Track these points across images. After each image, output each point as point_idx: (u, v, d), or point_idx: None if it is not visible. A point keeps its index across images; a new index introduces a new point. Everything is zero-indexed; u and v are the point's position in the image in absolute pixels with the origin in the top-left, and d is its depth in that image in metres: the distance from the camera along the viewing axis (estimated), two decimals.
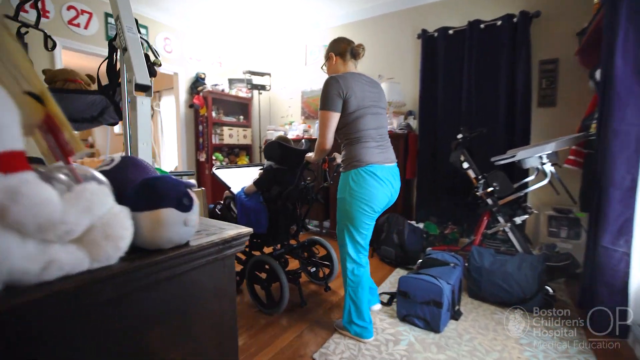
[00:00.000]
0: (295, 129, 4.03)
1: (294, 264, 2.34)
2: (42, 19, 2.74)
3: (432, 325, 1.67)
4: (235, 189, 2.00)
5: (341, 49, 1.60)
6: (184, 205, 0.44)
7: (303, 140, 2.07)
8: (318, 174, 2.67)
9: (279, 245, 2.13)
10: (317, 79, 4.01)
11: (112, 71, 1.28)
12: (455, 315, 1.80)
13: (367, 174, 1.47)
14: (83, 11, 3.02)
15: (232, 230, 0.56)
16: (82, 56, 3.24)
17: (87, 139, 8.27)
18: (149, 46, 1.45)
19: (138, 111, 1.01)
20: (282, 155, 1.87)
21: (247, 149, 4.61)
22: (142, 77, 1.00)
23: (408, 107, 3.35)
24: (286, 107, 4.39)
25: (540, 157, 2.01)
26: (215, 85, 4.10)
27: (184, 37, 4.00)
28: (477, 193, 2.33)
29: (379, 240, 2.77)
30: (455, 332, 1.68)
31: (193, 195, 0.48)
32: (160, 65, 1.41)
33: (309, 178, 2.06)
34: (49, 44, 1.48)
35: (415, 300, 1.72)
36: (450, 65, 3.03)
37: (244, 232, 0.56)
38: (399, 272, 2.49)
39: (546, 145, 1.99)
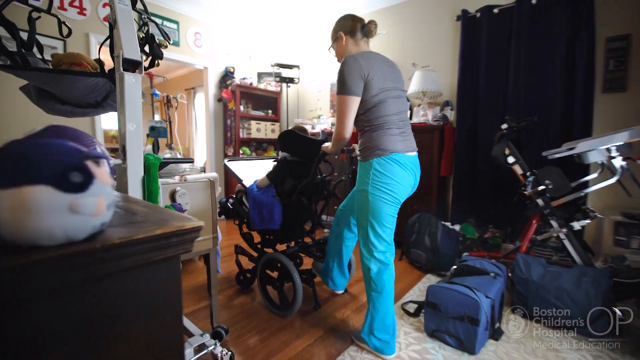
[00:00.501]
0: (324, 123, 3.88)
1: (308, 263, 2.19)
2: (79, 16, 2.85)
3: (467, 345, 1.43)
4: (248, 182, 1.89)
5: (351, 27, 1.43)
6: (71, 183, 0.30)
7: (321, 131, 1.91)
8: (343, 167, 2.49)
9: (292, 243, 1.99)
10: None
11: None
12: (495, 334, 1.54)
13: (393, 161, 1.32)
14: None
15: (176, 221, 0.42)
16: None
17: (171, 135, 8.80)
18: (157, 26, 1.37)
19: (126, 90, 0.91)
20: (297, 146, 1.72)
21: (275, 144, 4.54)
22: (131, 51, 0.90)
23: (445, 97, 3.04)
24: (315, 100, 4.25)
25: (608, 150, 1.67)
26: (244, 79, 4.06)
27: (214, 32, 4.00)
28: (525, 192, 2.01)
29: (408, 242, 2.53)
30: (494, 355, 1.42)
31: (96, 169, 0.33)
32: (166, 47, 1.32)
33: (324, 173, 1.90)
34: (64, 31, 1.45)
35: (447, 314, 1.48)
36: (494, 48, 2.69)
37: (188, 226, 0.41)
38: (430, 279, 2.24)
39: (616, 135, 1.64)
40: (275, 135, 4.42)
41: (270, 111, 4.47)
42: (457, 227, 2.60)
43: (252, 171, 2.05)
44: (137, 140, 0.94)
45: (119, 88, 0.93)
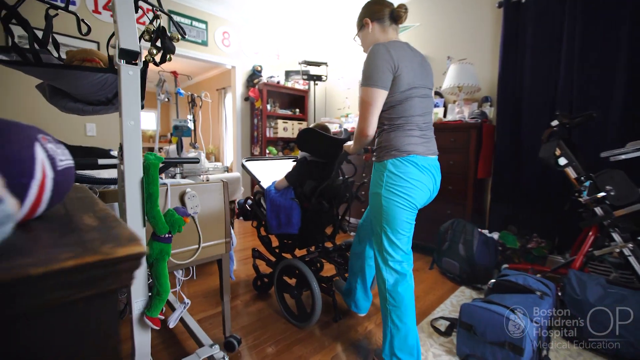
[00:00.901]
0: (351, 122, 3.73)
1: (330, 269, 2.06)
2: (110, 18, 2.94)
3: None
4: (267, 183, 1.80)
5: (378, 12, 1.29)
6: None
7: (343, 129, 1.77)
8: (366, 168, 2.34)
9: (313, 248, 1.88)
10: None
11: None
12: None
13: (409, 163, 1.21)
14: (148, 10, 3.17)
15: (109, 246, 0.31)
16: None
17: (167, 135, 9.19)
18: (170, 19, 1.32)
19: (123, 82, 0.84)
20: (318, 146, 1.60)
21: None
22: (128, 40, 0.83)
23: (483, 92, 2.78)
24: (343, 98, 4.12)
25: None
26: (271, 77, 4.02)
27: (242, 31, 4.00)
28: (580, 199, 1.74)
29: (440, 250, 2.32)
30: None
31: None
32: (178, 40, 1.26)
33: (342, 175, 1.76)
34: (83, 29, 1.44)
35: (484, 338, 1.29)
36: (542, 36, 2.39)
37: (118, 254, 0.30)
38: (464, 293, 2.02)
39: None
40: None
41: (297, 110, 4.40)
42: (495, 235, 2.35)
43: (272, 172, 1.96)
44: (136, 138, 0.88)
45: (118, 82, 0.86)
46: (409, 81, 1.20)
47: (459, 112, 2.69)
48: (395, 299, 1.25)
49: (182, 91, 2.40)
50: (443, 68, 3.01)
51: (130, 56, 0.85)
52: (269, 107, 4.07)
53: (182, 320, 1.57)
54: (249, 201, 1.94)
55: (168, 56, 1.27)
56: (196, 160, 1.09)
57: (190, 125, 2.73)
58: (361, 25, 1.35)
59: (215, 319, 1.70)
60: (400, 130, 1.22)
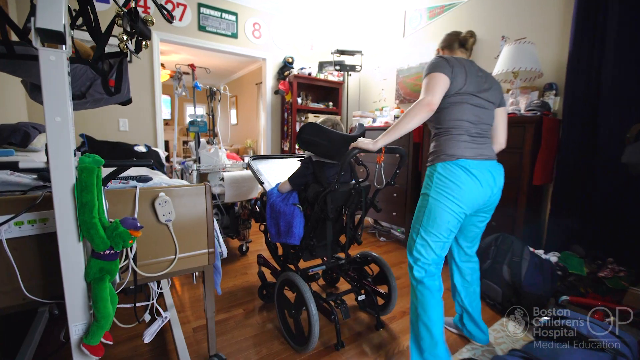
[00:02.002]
0: (386, 116, 3.39)
1: (343, 284, 1.82)
2: (143, 14, 2.97)
3: None
4: (271, 185, 1.62)
5: (449, 41, 1.42)
6: None
7: (357, 124, 1.50)
8: (404, 170, 2.05)
9: (325, 258, 1.66)
10: (415, 53, 3.25)
11: (96, 32, 1.04)
12: None
13: (458, 167, 1.22)
14: (179, 4, 3.17)
15: None
16: (180, 48, 3.44)
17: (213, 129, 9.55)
18: (155, 3, 1.17)
19: (42, 70, 0.69)
20: (324, 144, 1.36)
21: None
22: (48, 19, 0.68)
23: (547, 78, 2.27)
24: (378, 90, 3.78)
25: None
26: (302, 69, 3.83)
27: (274, 21, 3.85)
28: None
29: (481, 269, 1.94)
30: None
31: None
32: (153, 23, 1.11)
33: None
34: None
35: None
36: (634, 8, 1.84)
37: None
38: (505, 327, 1.65)
39: None
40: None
41: (330, 103, 4.16)
42: (553, 257, 1.90)
43: (282, 172, 1.77)
44: (65, 137, 0.73)
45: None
46: (460, 85, 1.22)
47: (513, 103, 2.23)
48: (424, 294, 1.24)
49: (199, 85, 2.32)
50: (495, 51, 2.54)
51: (52, 38, 0.70)
52: (299, 100, 3.89)
53: (170, 331, 1.47)
54: (259, 202, 1.78)
55: (145, 43, 1.13)
56: (148, 163, 0.93)
57: (214, 120, 2.65)
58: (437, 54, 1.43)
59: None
60: (449, 134, 1.26)
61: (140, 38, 1.10)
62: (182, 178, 2.53)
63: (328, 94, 4.20)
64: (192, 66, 2.33)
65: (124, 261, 1.02)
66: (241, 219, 2.57)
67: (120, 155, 2.35)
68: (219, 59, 6.00)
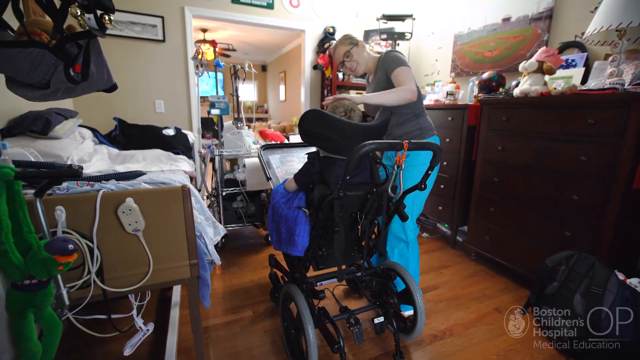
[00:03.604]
0: (437, 92, 2.89)
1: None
2: None
3: None
4: (279, 181, 1.40)
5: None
6: None
7: (381, 110, 1.19)
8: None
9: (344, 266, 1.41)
10: (478, 13, 2.64)
11: (49, 6, 0.88)
12: None
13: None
14: None
15: None
16: (227, 24, 3.29)
17: (263, 105, 9.60)
18: None
19: None
20: (330, 137, 1.08)
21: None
22: None
23: None
24: (432, 61, 3.24)
25: None
26: None
27: None
28: None
29: (541, 293, 1.54)
30: None
31: None
32: None
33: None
34: None
35: None
36: None
37: None
38: None
39: None
40: None
41: None
42: None
43: (299, 165, 1.54)
44: None
45: None
46: None
47: (613, 74, 1.63)
48: None
49: (221, 63, 2.14)
50: (591, 2, 1.89)
51: None
52: (340, 75, 3.54)
53: (155, 340, 1.39)
54: None
55: (108, 17, 0.94)
56: (75, 172, 0.75)
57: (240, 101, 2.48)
58: None
59: (215, 332, 1.48)
60: (424, 115, 1.46)
61: (101, 12, 0.91)
62: (211, 163, 2.44)
63: None
64: (213, 43, 2.15)
65: (86, 275, 0.91)
66: (267, 207, 2.43)
67: (148, 139, 2.34)
68: (265, 34, 5.79)
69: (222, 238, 2.32)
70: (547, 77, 1.90)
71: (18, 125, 1.68)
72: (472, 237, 2.24)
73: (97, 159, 1.78)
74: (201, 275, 1.11)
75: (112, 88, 1.16)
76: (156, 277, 1.01)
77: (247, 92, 9.35)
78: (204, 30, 5.39)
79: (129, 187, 1.03)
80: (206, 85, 5.64)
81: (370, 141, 0.90)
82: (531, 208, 1.82)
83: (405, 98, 1.37)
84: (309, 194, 1.23)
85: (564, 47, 2.09)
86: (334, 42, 3.44)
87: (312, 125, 1.07)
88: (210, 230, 1.26)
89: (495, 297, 1.82)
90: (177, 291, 1.59)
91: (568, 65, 2.00)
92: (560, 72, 2.00)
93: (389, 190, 1.03)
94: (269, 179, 1.44)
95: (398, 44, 3.22)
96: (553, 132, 1.69)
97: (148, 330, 1.09)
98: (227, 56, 5.25)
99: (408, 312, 1.41)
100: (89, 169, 1.51)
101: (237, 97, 2.28)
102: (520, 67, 1.89)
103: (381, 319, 1.32)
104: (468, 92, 2.60)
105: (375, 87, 1.52)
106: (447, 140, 2.42)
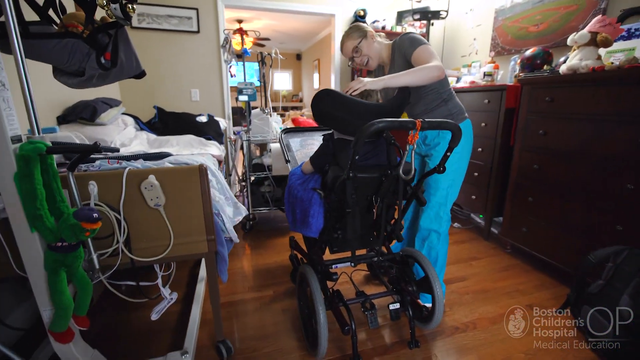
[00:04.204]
0: (474, 74, 2.71)
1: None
2: None
3: None
4: (298, 163, 1.41)
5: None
6: None
7: (398, 90, 1.13)
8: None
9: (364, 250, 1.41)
10: None
11: (83, 2, 0.96)
12: None
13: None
14: None
15: None
16: (261, 13, 3.33)
17: (298, 94, 9.67)
18: None
19: None
20: (340, 117, 1.06)
21: None
22: None
23: None
24: (469, 40, 3.02)
25: None
26: (375, 22, 3.32)
27: None
28: None
29: (583, 291, 1.41)
30: None
31: None
32: None
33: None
34: None
35: None
36: None
37: None
38: None
39: None
40: None
41: None
42: None
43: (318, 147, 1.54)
44: None
45: None
46: None
47: None
48: None
49: (248, 50, 2.18)
50: None
51: None
52: None
53: (182, 311, 1.49)
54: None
55: (130, 6, 1.01)
56: (95, 147, 0.81)
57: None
58: None
59: (236, 307, 1.56)
60: (453, 97, 1.38)
61: (125, 1, 0.97)
62: (241, 148, 2.54)
63: None
64: (240, 31, 2.20)
65: (115, 244, 1.00)
66: None
67: (183, 125, 2.48)
68: (298, 21, 5.79)
69: (250, 221, 2.42)
70: (601, 51, 1.69)
71: (71, 113, 1.87)
72: (508, 229, 2.10)
73: (137, 143, 1.93)
74: (219, 250, 1.17)
75: (141, 74, 1.24)
76: (177, 250, 1.09)
77: (283, 81, 9.47)
78: (240, 21, 5.52)
79: (154, 166, 1.11)
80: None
81: (380, 119, 0.87)
82: (575, 198, 1.65)
83: (432, 76, 1.20)
84: (324, 176, 1.23)
85: (626, 15, 1.82)
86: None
87: (323, 105, 1.06)
88: (230, 209, 1.32)
89: (529, 293, 1.70)
90: (203, 267, 1.69)
91: (630, 35, 1.76)
92: (620, 44, 1.76)
93: (400, 172, 0.99)
94: (287, 161, 1.46)
95: (432, 24, 3.04)
96: (605, 113, 1.51)
97: (172, 299, 1.18)
98: (262, 45, 5.35)
99: (429, 304, 1.37)
100: (127, 152, 1.65)
101: (264, 83, 2.32)
102: (569, 40, 1.70)
103: (397, 305, 1.29)
104: (509, 72, 2.39)
105: None
106: (483, 124, 2.26)
